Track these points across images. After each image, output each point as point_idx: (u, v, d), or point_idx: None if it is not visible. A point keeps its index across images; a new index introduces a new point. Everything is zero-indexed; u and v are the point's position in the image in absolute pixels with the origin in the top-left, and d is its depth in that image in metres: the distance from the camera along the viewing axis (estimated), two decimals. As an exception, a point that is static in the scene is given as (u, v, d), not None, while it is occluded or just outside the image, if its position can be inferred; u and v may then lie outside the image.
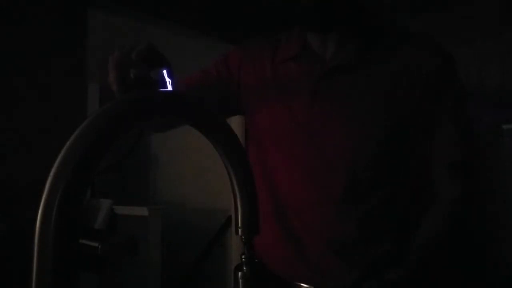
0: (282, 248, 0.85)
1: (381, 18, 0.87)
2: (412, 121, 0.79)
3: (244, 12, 2.48)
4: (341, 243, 0.80)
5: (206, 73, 0.92)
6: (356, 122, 0.78)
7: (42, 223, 0.27)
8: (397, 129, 0.79)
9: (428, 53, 0.79)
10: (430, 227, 0.80)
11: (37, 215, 0.28)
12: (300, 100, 0.82)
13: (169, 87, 0.50)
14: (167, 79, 0.50)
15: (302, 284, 0.81)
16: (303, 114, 0.81)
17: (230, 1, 2.45)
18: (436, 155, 0.80)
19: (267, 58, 0.88)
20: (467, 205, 0.82)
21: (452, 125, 0.79)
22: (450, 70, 0.80)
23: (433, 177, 0.81)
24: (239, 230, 0.44)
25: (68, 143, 0.30)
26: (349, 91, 0.79)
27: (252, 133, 0.94)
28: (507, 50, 2.25)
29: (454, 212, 0.81)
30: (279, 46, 0.88)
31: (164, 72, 0.51)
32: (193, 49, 2.97)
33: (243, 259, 0.44)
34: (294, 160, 0.83)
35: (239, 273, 0.44)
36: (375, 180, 0.80)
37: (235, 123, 2.04)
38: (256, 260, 0.45)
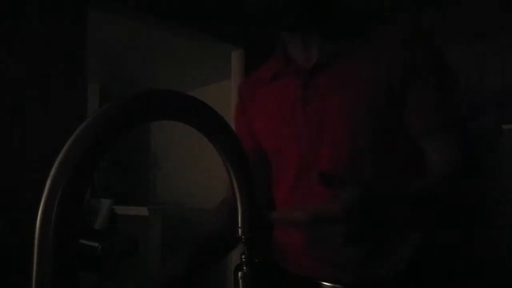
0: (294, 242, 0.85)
1: (350, 10, 0.87)
2: (394, 100, 0.78)
3: (243, 12, 2.48)
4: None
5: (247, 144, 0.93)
6: (346, 116, 0.79)
7: (42, 223, 0.27)
8: (387, 112, 0.78)
9: (401, 32, 0.80)
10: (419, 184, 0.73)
11: (37, 215, 0.28)
12: (291, 110, 0.84)
13: None
14: None
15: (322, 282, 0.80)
16: (297, 122, 0.83)
17: (229, 2, 2.45)
18: (417, 125, 0.78)
19: (262, 83, 0.93)
20: (456, 171, 0.75)
21: (429, 92, 0.76)
22: (421, 40, 0.78)
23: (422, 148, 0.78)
24: (239, 230, 0.44)
25: (68, 143, 0.30)
26: (334, 87, 0.80)
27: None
28: (507, 50, 2.25)
29: (438, 177, 0.74)
30: (267, 67, 0.94)
31: None
32: (193, 49, 2.97)
33: (243, 259, 0.44)
34: (292, 171, 0.84)
35: (239, 273, 0.44)
36: (371, 168, 0.78)
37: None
38: (256, 260, 0.45)
